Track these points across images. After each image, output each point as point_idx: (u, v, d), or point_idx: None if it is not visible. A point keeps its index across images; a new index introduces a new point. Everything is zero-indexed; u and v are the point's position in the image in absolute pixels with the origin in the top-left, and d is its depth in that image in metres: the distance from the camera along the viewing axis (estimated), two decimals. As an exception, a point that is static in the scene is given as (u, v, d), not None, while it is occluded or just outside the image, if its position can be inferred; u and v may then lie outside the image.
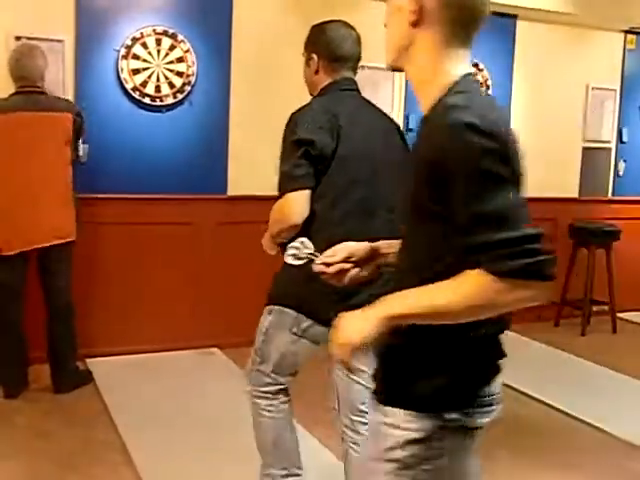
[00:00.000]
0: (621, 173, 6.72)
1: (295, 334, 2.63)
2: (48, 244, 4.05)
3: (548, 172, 6.31)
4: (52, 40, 4.48)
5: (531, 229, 1.38)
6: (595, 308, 6.22)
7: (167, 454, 3.49)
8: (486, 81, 5.94)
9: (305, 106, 2.63)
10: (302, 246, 1.93)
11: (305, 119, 2.56)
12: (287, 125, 2.61)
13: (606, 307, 6.17)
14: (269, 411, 2.78)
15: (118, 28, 4.73)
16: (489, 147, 1.37)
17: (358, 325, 1.53)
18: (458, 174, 1.39)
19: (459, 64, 1.53)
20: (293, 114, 2.62)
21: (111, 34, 4.72)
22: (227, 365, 4.80)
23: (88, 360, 4.65)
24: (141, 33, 4.76)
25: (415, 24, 1.51)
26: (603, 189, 6.69)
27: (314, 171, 2.51)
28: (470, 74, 1.53)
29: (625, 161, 6.72)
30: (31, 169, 3.99)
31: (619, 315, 6.21)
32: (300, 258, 1.91)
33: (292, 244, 1.96)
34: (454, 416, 1.51)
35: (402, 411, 1.54)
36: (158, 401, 4.14)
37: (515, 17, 6.01)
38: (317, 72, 2.69)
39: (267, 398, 2.78)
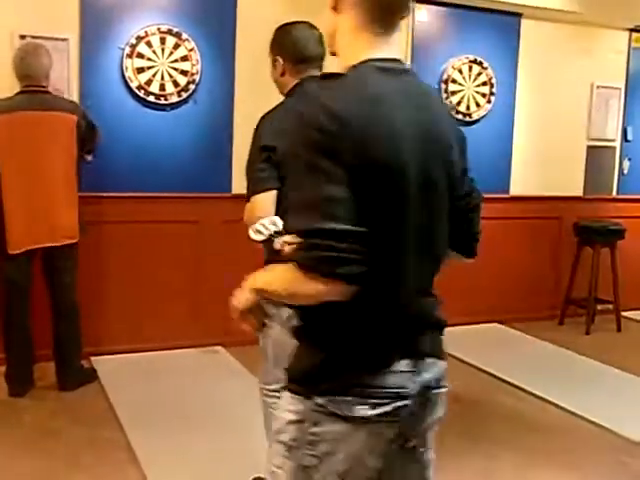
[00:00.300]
0: (626, 171, 6.71)
1: (281, 325, 2.58)
2: (55, 244, 4.06)
3: (553, 171, 6.32)
4: (57, 39, 4.49)
5: (327, 224, 1.35)
6: (600, 307, 6.21)
7: (172, 452, 3.49)
8: (490, 79, 5.93)
9: (273, 109, 2.67)
10: (270, 223, 1.92)
11: (268, 125, 2.62)
12: (256, 128, 2.67)
13: (610, 306, 6.16)
14: (275, 409, 2.78)
15: (122, 27, 4.74)
16: (315, 139, 1.37)
17: (241, 292, 1.62)
18: (290, 159, 1.46)
19: (369, 50, 1.51)
20: (262, 117, 2.66)
21: (115, 33, 4.72)
22: (231, 363, 4.81)
23: (93, 358, 4.66)
24: (145, 32, 4.76)
25: (335, 9, 1.54)
26: (608, 188, 6.68)
27: (277, 174, 2.53)
28: (372, 60, 1.50)
29: (630, 159, 6.70)
30: (36, 169, 3.99)
31: (623, 314, 6.21)
32: (262, 233, 1.91)
33: (262, 220, 1.96)
34: (320, 401, 1.48)
35: (287, 393, 1.57)
36: (163, 399, 4.15)
37: (520, 15, 6.01)
38: (283, 74, 2.73)
39: (273, 397, 2.80)
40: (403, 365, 1.51)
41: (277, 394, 2.65)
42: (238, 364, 4.73)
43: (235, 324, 1.66)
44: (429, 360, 1.58)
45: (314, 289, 1.38)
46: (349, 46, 1.54)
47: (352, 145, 1.38)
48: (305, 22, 2.77)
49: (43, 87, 4.05)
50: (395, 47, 1.55)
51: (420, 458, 1.64)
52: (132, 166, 4.85)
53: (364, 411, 1.47)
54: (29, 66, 4.02)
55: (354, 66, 1.51)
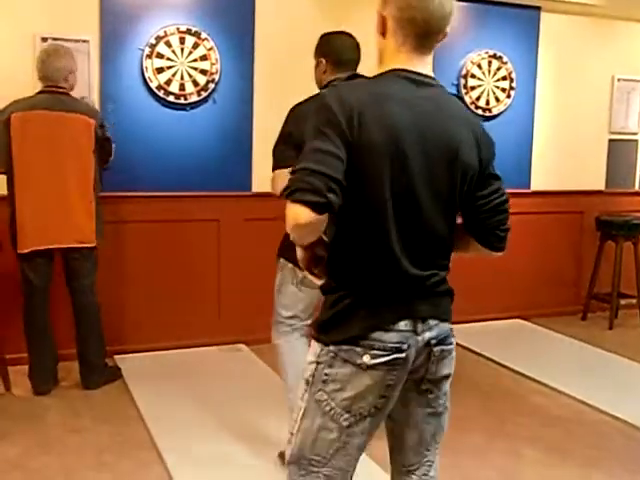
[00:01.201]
0: (648, 165, 6.65)
1: (295, 285, 3.31)
2: (63, 246, 4.07)
3: (574, 165, 6.28)
4: (77, 40, 4.53)
5: (310, 164, 1.69)
6: (623, 301, 6.17)
7: (196, 450, 3.51)
8: (510, 74, 5.91)
9: (306, 100, 3.13)
10: None
11: (293, 113, 3.18)
12: (287, 115, 3.25)
13: (634, 300, 6.10)
14: (287, 342, 3.38)
15: (142, 27, 4.76)
16: (324, 114, 1.75)
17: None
18: (308, 130, 1.79)
19: (403, 64, 1.86)
20: (294, 105, 3.19)
21: (135, 33, 4.75)
22: (254, 361, 4.82)
23: (117, 357, 4.70)
24: (165, 32, 4.79)
25: (382, 34, 1.91)
26: (630, 181, 6.62)
27: (296, 154, 2.84)
28: (399, 70, 1.85)
29: (652, 152, 6.64)
30: (49, 169, 3.99)
31: (647, 308, 6.16)
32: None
33: None
34: (333, 348, 1.84)
35: (313, 340, 1.92)
36: (186, 397, 4.17)
37: (539, 9, 5.97)
38: (325, 72, 3.28)
39: (284, 336, 3.39)
40: (402, 325, 1.84)
41: (286, 334, 3.40)
42: (260, 362, 4.74)
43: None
44: (432, 322, 1.89)
45: (290, 212, 1.69)
46: (390, 61, 1.88)
47: (353, 125, 1.73)
48: (346, 32, 3.35)
49: (61, 88, 4.08)
50: (429, 65, 1.89)
51: (432, 403, 1.97)
52: (152, 166, 4.88)
53: (367, 359, 1.81)
54: (48, 68, 4.06)
55: (382, 73, 1.87)
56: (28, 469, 3.30)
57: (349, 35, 3.35)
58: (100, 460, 3.40)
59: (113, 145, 4.22)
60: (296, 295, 3.33)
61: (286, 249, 3.10)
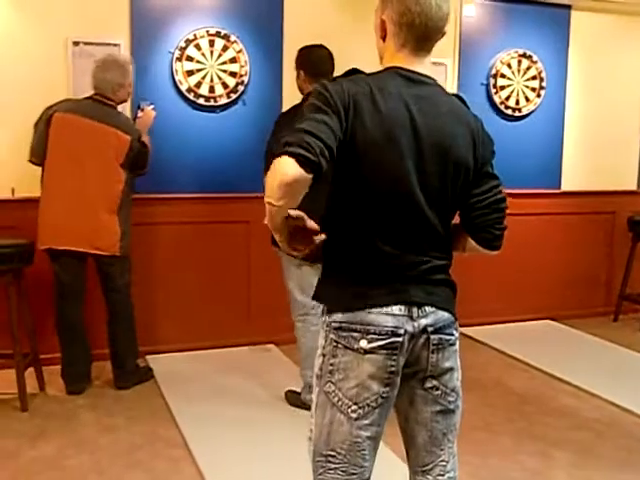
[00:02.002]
0: (681, 164, 6.57)
1: (297, 266, 3.73)
2: (78, 249, 4.09)
3: (605, 164, 6.22)
4: (109, 44, 4.59)
5: (305, 126, 1.72)
6: (655, 302, 6.10)
7: (228, 449, 3.54)
8: (540, 73, 5.87)
9: (291, 108, 3.70)
10: None
11: (284, 120, 3.64)
12: (275, 122, 3.78)
13: (667, 301, 6.05)
14: (304, 328, 3.83)
15: (172, 30, 4.81)
16: (324, 96, 1.80)
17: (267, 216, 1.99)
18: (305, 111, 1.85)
19: (401, 64, 1.93)
20: (281, 113, 3.79)
21: (165, 36, 4.80)
22: (284, 361, 4.85)
23: (149, 357, 4.75)
24: (194, 35, 4.83)
25: (382, 39, 1.99)
26: (663, 181, 6.56)
27: None
28: (396, 67, 1.93)
29: (685, 151, 6.56)
30: (71, 173, 4.04)
31: (680, 309, 6.08)
32: None
33: None
34: (333, 337, 1.91)
35: (321, 331, 1.99)
36: (218, 397, 4.21)
37: (569, 7, 5.93)
38: (305, 82, 3.79)
39: (301, 321, 3.86)
40: (396, 309, 1.89)
41: (302, 318, 3.86)
42: (290, 362, 4.76)
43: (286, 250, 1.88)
44: (428, 309, 1.92)
45: (277, 166, 1.70)
46: (390, 61, 1.96)
47: (348, 110, 1.80)
48: (320, 45, 3.85)
49: (107, 99, 4.13)
50: (427, 66, 1.96)
51: (440, 400, 1.98)
52: (182, 168, 4.92)
53: (364, 344, 1.87)
54: (96, 77, 4.13)
55: (380, 70, 1.95)
56: (62, 468, 3.34)
57: (324, 48, 3.84)
58: (133, 459, 3.44)
59: (149, 153, 4.28)
60: (303, 275, 3.73)
61: None
